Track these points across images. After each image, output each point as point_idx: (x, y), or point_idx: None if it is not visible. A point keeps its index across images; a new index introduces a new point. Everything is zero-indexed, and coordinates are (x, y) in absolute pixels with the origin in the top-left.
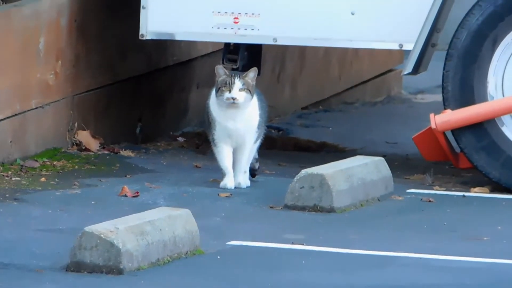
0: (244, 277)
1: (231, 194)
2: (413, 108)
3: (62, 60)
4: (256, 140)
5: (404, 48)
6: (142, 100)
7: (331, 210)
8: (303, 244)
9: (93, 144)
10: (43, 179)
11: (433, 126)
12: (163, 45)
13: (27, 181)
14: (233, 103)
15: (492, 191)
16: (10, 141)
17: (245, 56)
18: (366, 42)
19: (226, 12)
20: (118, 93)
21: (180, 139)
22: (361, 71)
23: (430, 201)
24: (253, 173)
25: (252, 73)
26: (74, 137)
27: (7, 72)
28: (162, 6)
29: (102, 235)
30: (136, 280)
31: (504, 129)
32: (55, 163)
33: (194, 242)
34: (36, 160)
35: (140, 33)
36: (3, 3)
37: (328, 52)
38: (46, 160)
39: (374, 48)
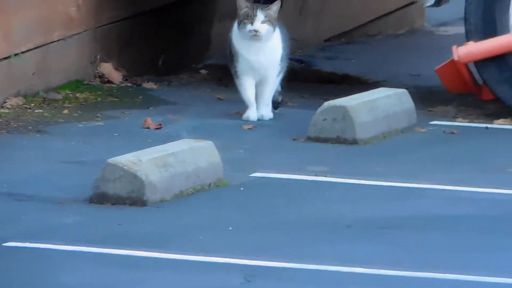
0: (266, 208)
1: (254, 126)
2: (435, 40)
3: None
4: (279, 73)
5: None
6: (165, 32)
7: (354, 142)
8: (326, 176)
9: (116, 76)
10: (65, 111)
11: (455, 58)
12: None
13: (49, 113)
14: (255, 35)
15: None
16: (33, 73)
17: None
18: None
19: None
20: (141, 25)
21: (203, 71)
22: (383, 3)
23: (453, 133)
24: (275, 105)
25: (275, 6)
26: (96, 69)
27: (30, 5)
28: None
29: (125, 167)
30: (159, 211)
31: None
32: (77, 95)
33: (217, 174)
34: (59, 92)
35: None
36: None
37: None
38: (69, 92)
39: None
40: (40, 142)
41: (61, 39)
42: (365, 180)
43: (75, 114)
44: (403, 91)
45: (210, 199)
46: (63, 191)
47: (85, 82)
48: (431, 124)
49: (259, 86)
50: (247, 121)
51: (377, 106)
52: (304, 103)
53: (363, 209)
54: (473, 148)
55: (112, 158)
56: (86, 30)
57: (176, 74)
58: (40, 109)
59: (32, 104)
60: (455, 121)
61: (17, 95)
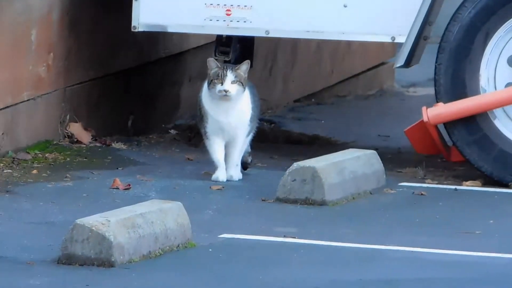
0: (235, 270)
1: (223, 187)
2: (405, 101)
3: (54, 53)
4: (249, 133)
5: (396, 41)
6: (134, 92)
7: (322, 203)
8: (294, 238)
9: (85, 137)
10: (34, 171)
11: (425, 119)
12: (155, 38)
13: (18, 173)
14: (225, 96)
15: (484, 184)
16: (2, 134)
17: (237, 48)
18: (358, 34)
19: (218, 4)
20: (110, 85)
21: (172, 131)
22: (353, 64)
23: (422, 194)
24: (245, 166)
25: (244, 66)
26: (66, 129)
27: None
28: None
29: (93, 228)
30: (128, 273)
31: (496, 122)
32: (47, 155)
33: (185, 235)
34: (28, 153)
35: (132, 25)
36: None
37: (321, 45)
38: (38, 152)
39: (366, 41)
40: (9, 203)
41: (31, 99)
42: (334, 242)
43: (44, 174)
44: (372, 153)
45: (179, 260)
46: (31, 251)
47: (54, 142)
48: (400, 186)
49: (228, 146)
50: (216, 182)
51: (346, 167)
52: (273, 164)
53: (331, 271)
54: (442, 210)
55: (81, 219)
56: (55, 90)
57: (145, 135)
58: (9, 169)
59: (1, 164)
60: (424, 182)
61: None
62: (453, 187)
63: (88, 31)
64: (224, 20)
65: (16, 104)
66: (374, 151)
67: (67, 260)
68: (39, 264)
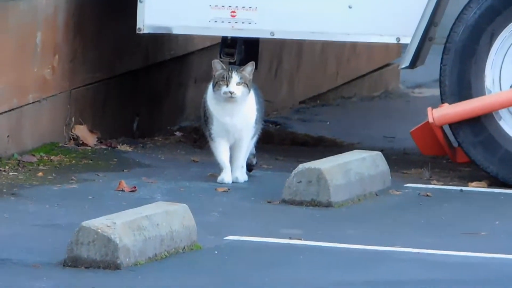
0: (241, 272)
1: (229, 189)
2: (410, 102)
3: (59, 55)
4: (254, 135)
5: (401, 42)
6: (140, 95)
7: (328, 205)
8: (300, 239)
9: (91, 139)
10: (40, 174)
11: (430, 120)
12: (160, 40)
13: (24, 176)
14: (230, 97)
15: (490, 185)
16: (8, 136)
17: (242, 50)
18: (363, 35)
19: (223, 6)
20: (116, 88)
21: (178, 133)
22: (358, 66)
23: (427, 195)
24: (250, 168)
25: (249, 67)
26: (71, 131)
27: (4, 67)
28: (160, 0)
29: (99, 230)
30: (134, 275)
31: (502, 123)
32: (52, 157)
33: (191, 237)
34: (34, 155)
35: (137, 27)
36: None
37: (326, 46)
38: (44, 154)
39: (372, 42)
40: (15, 205)
41: (36, 101)
42: (339, 243)
43: (49, 177)
44: (377, 154)
45: (184, 263)
46: (37, 254)
47: (60, 145)
48: (405, 187)
49: (233, 148)
50: (222, 184)
51: (352, 168)
52: (278, 166)
53: (337, 273)
54: (447, 211)
55: (86, 221)
56: (60, 92)
57: (151, 137)
58: (14, 171)
59: (7, 167)
60: (429, 183)
61: None
62: (458, 188)
63: (93, 33)
64: (229, 22)
65: (21, 106)
66: (380, 153)
67: (73, 262)
68: (44, 266)
